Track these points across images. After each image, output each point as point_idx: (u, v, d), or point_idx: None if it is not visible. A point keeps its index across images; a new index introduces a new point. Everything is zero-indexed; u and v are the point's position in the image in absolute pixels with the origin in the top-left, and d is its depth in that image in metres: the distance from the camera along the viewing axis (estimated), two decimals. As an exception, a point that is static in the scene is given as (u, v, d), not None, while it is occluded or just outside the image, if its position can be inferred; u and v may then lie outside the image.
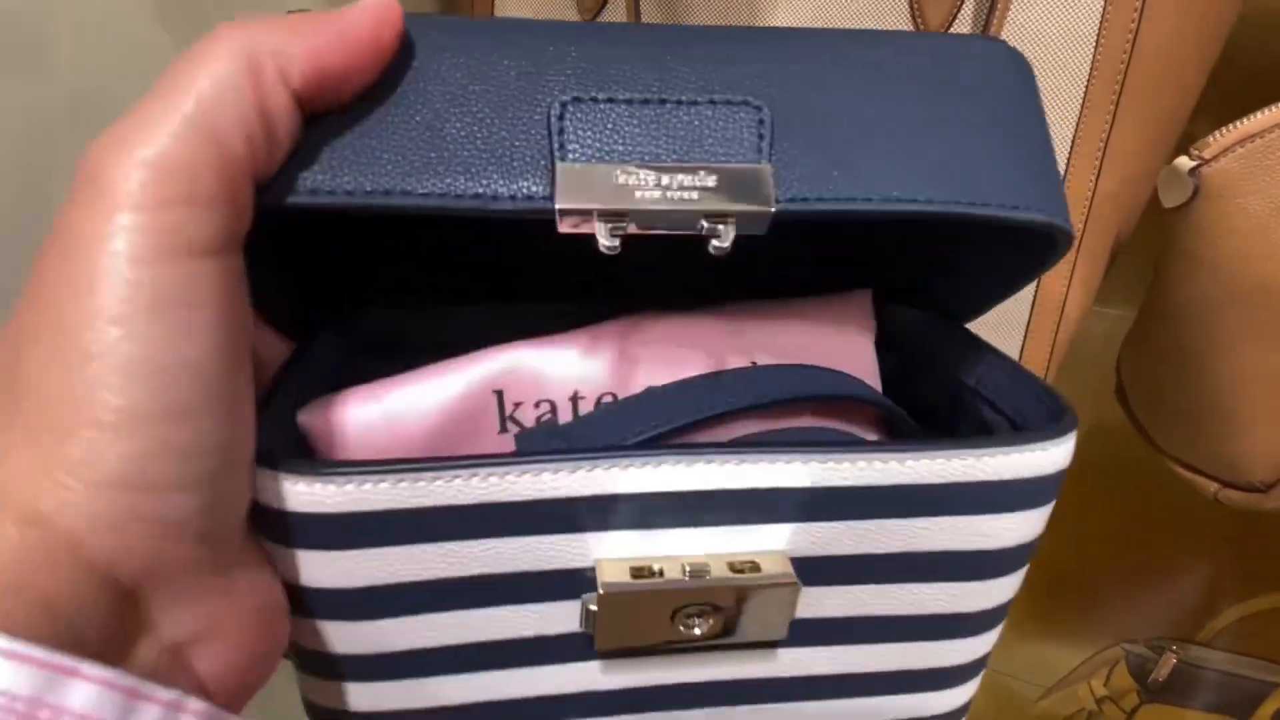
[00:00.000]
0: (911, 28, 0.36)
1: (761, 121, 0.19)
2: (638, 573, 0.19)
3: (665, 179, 0.18)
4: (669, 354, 0.25)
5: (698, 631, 0.20)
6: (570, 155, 0.18)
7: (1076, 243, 0.39)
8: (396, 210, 0.17)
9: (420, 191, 0.17)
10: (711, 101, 0.19)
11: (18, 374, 0.15)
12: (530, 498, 0.18)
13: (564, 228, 0.18)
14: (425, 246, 0.27)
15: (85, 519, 0.15)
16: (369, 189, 0.17)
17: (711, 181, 0.18)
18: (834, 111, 0.19)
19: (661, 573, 0.19)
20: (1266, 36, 0.44)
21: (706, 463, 0.19)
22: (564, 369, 0.24)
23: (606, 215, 0.18)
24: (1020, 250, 0.23)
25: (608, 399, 0.24)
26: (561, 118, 0.18)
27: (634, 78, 0.19)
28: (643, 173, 0.18)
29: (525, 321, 0.26)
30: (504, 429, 0.24)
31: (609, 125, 0.18)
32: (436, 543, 0.18)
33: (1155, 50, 0.34)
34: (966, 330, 0.28)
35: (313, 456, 0.22)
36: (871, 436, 0.25)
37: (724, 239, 0.18)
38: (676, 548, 0.20)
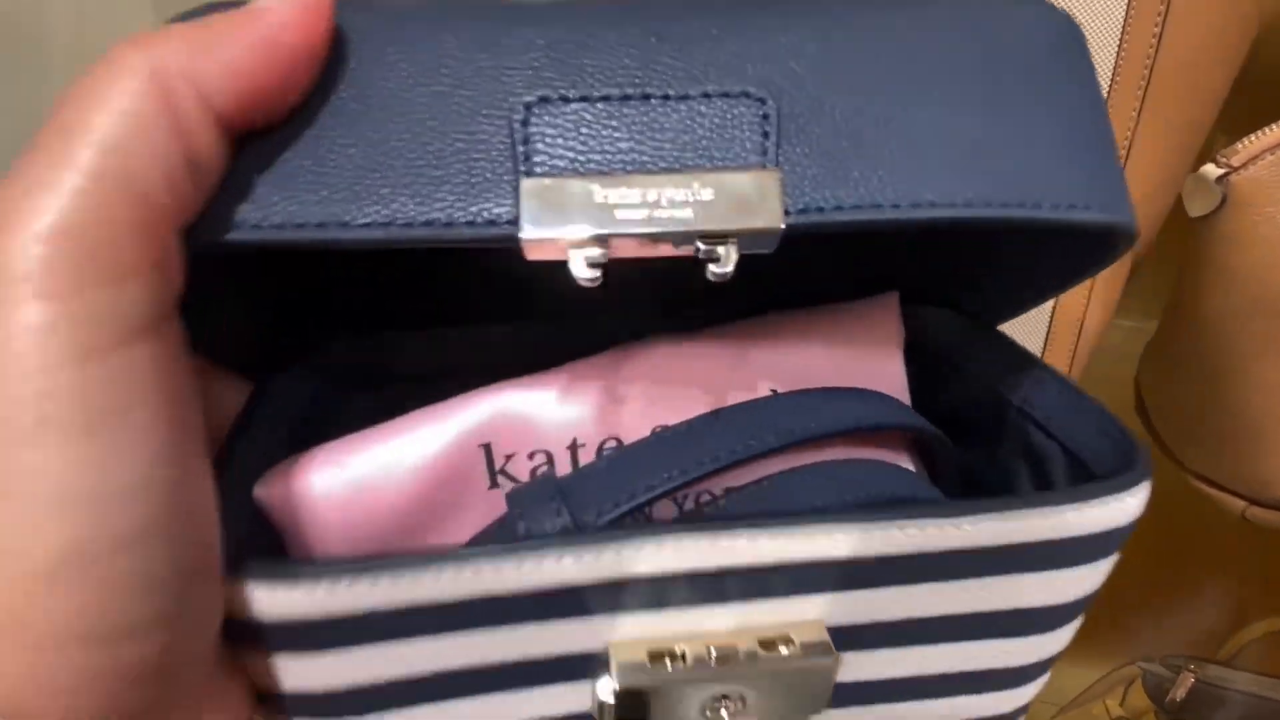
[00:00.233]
0: None
1: (765, 116, 0.16)
2: (656, 656, 0.17)
3: (652, 193, 0.15)
4: (677, 387, 0.22)
5: (725, 716, 0.18)
6: (537, 168, 0.15)
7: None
8: (335, 245, 0.15)
9: (361, 222, 0.15)
10: (705, 95, 0.16)
11: None
12: (530, 588, 0.16)
13: (533, 256, 0.15)
14: (393, 265, 0.24)
15: (30, 687, 0.12)
16: (301, 222, 0.15)
17: (707, 194, 0.15)
18: (852, 97, 0.16)
19: (684, 656, 0.17)
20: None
21: (732, 538, 0.16)
22: (559, 413, 0.21)
23: (582, 242, 0.15)
24: (1071, 252, 0.20)
25: (611, 445, 0.21)
26: (526, 123, 0.15)
27: (612, 68, 0.16)
28: (624, 188, 0.15)
29: (509, 343, 0.24)
30: (494, 484, 0.21)
31: (583, 129, 0.15)
32: (427, 637, 0.16)
33: (1178, 56, 0.34)
34: (1005, 337, 0.24)
35: (276, 531, 0.20)
36: (905, 461, 0.23)
37: (724, 263, 0.15)
38: (698, 623, 0.17)
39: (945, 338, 0.26)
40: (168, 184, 0.13)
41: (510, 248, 0.15)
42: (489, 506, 0.20)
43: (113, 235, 0.13)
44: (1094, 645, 0.65)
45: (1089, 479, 0.20)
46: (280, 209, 0.15)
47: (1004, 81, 0.17)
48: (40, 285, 0.12)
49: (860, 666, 0.18)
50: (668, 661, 0.17)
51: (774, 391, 0.22)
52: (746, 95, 0.16)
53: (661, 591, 0.16)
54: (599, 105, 0.16)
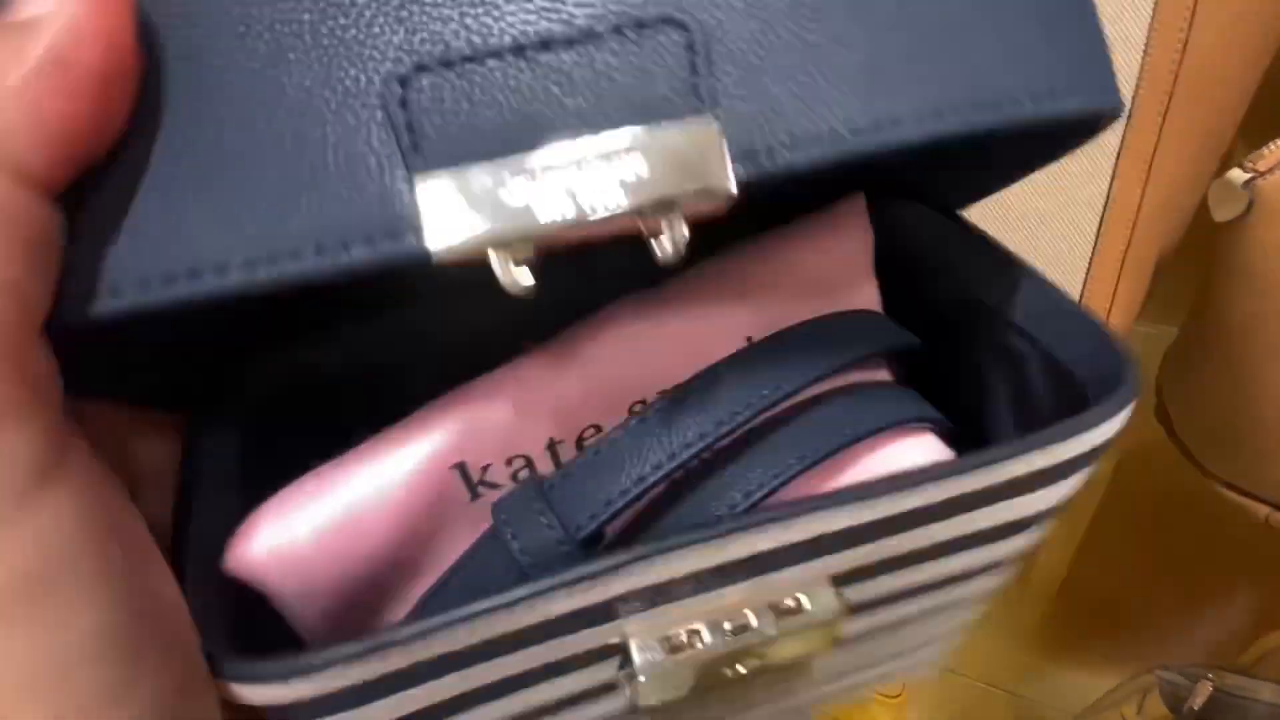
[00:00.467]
0: None
1: (691, 47, 0.13)
2: (674, 645, 0.16)
3: (573, 176, 0.13)
4: (649, 355, 0.20)
5: (744, 671, 0.18)
6: (428, 159, 0.12)
7: (1121, 255, 0.38)
8: (212, 296, 0.12)
9: (240, 259, 0.12)
10: (617, 30, 0.13)
11: None
12: (541, 620, 0.15)
13: (440, 264, 0.13)
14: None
15: None
16: (167, 272, 0.12)
17: (640, 166, 0.13)
18: (777, 10, 0.13)
19: (700, 636, 0.16)
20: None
21: (733, 541, 0.15)
22: (528, 413, 0.19)
23: (500, 245, 0.13)
24: (1046, 135, 0.18)
25: (591, 433, 0.20)
26: (404, 104, 0.12)
27: (497, 12, 0.13)
28: (539, 169, 0.13)
29: (451, 323, 0.21)
30: (475, 496, 0.19)
31: (475, 98, 0.13)
32: (441, 678, 0.16)
33: (1204, 61, 0.33)
34: (980, 233, 0.22)
35: (257, 591, 0.18)
36: (884, 373, 0.22)
37: (671, 242, 0.13)
38: (708, 603, 0.17)
39: (916, 235, 0.24)
40: (14, 299, 0.11)
41: (412, 262, 0.13)
42: (473, 519, 0.19)
43: None
44: (1111, 652, 0.65)
45: (1069, 384, 0.19)
46: (140, 264, 0.12)
47: None
48: None
49: (862, 591, 0.18)
50: (686, 649, 0.16)
51: (749, 340, 0.20)
52: (667, 21, 0.13)
53: (668, 590, 0.16)
54: (491, 64, 0.13)
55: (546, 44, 0.13)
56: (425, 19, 0.13)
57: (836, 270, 0.22)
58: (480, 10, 0.13)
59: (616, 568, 0.15)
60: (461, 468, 0.19)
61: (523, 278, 0.13)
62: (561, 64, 0.13)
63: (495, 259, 0.13)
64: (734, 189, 0.13)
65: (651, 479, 0.17)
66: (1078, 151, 0.19)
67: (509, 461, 0.19)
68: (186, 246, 0.12)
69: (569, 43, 0.13)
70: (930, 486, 0.16)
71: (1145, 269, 0.38)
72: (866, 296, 0.23)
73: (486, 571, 0.18)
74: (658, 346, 0.20)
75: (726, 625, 0.16)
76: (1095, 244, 0.37)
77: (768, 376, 0.18)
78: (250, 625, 0.17)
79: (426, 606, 0.19)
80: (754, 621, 0.16)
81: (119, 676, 0.12)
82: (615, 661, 0.17)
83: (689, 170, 0.13)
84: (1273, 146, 0.31)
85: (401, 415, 0.19)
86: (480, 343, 0.20)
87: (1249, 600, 0.57)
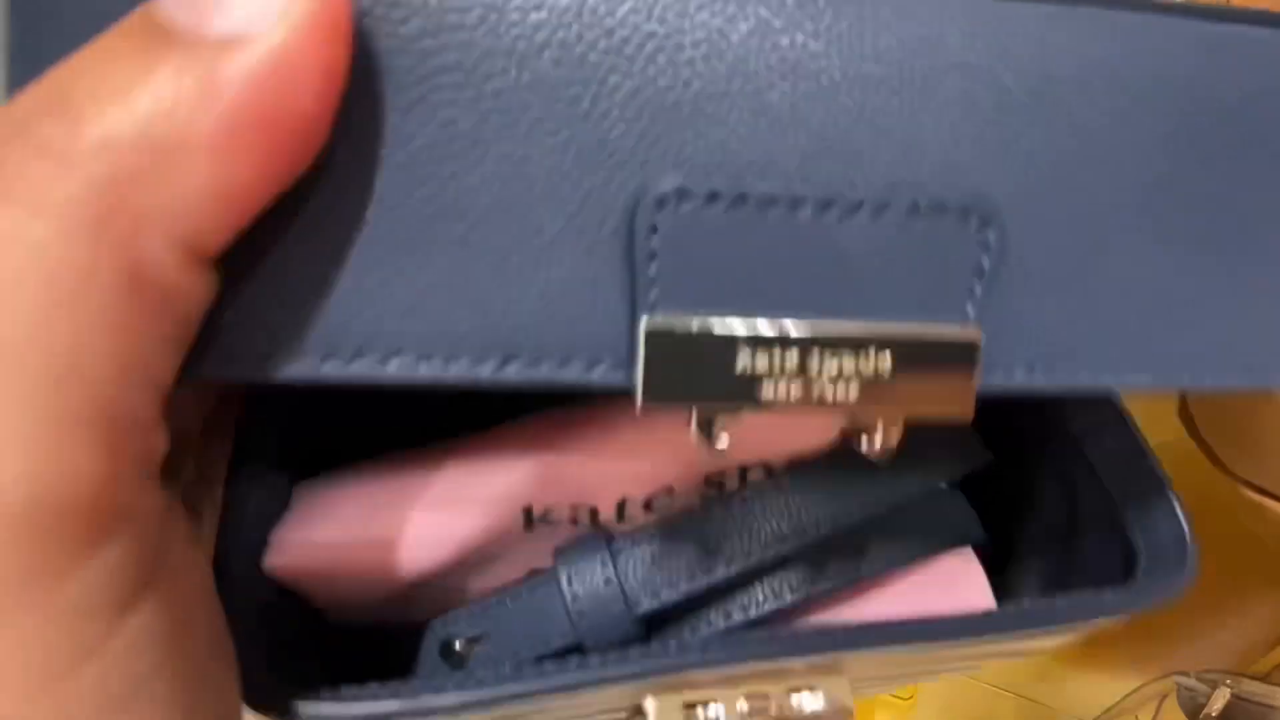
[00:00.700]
0: None
1: (985, 246, 0.11)
2: (688, 710, 0.16)
3: (814, 360, 0.11)
4: (743, 427, 0.21)
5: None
6: (664, 301, 0.11)
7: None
8: (376, 386, 0.11)
9: (417, 353, 0.11)
10: (913, 207, 0.11)
11: None
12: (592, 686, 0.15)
13: (639, 413, 0.11)
14: None
15: None
16: (345, 350, 0.11)
17: (884, 366, 0.11)
18: (1086, 219, 0.11)
19: (717, 710, 0.16)
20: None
21: (805, 653, 0.15)
22: (604, 469, 0.18)
23: (712, 413, 0.11)
24: None
25: (661, 494, 0.19)
26: (654, 230, 0.11)
27: (777, 150, 0.10)
28: (778, 349, 0.11)
29: None
30: (530, 528, 0.19)
31: (730, 244, 0.11)
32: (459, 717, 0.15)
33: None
34: None
35: (300, 598, 0.18)
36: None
37: (877, 443, 0.12)
38: (731, 684, 0.17)
39: None
40: (145, 390, 0.09)
41: (618, 392, 0.11)
42: (524, 548, 0.19)
43: (87, 489, 0.09)
44: (1127, 657, 0.64)
45: (1124, 542, 0.19)
46: (319, 334, 0.11)
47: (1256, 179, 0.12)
48: (3, 592, 0.09)
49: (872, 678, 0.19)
50: (700, 712, 0.16)
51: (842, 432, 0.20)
52: (962, 210, 0.11)
53: (697, 680, 0.16)
54: (757, 212, 0.11)
55: (827, 204, 0.11)
56: (702, 131, 0.10)
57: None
58: (763, 140, 0.10)
59: (669, 669, 0.14)
60: (529, 510, 0.19)
61: (718, 446, 0.12)
62: (834, 227, 0.11)
63: (694, 423, 0.11)
64: (970, 416, 0.11)
65: (723, 574, 0.17)
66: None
67: (573, 507, 0.19)
68: (383, 323, 0.11)
69: (852, 208, 0.11)
70: (961, 638, 0.16)
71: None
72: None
73: (537, 610, 0.18)
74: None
75: (743, 706, 0.16)
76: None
77: (856, 492, 0.18)
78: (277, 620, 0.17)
79: (471, 616, 0.19)
80: (771, 705, 0.16)
81: None
82: (626, 707, 0.17)
83: (934, 387, 0.11)
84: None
85: (450, 402, 0.19)
86: None
87: (1271, 605, 0.56)
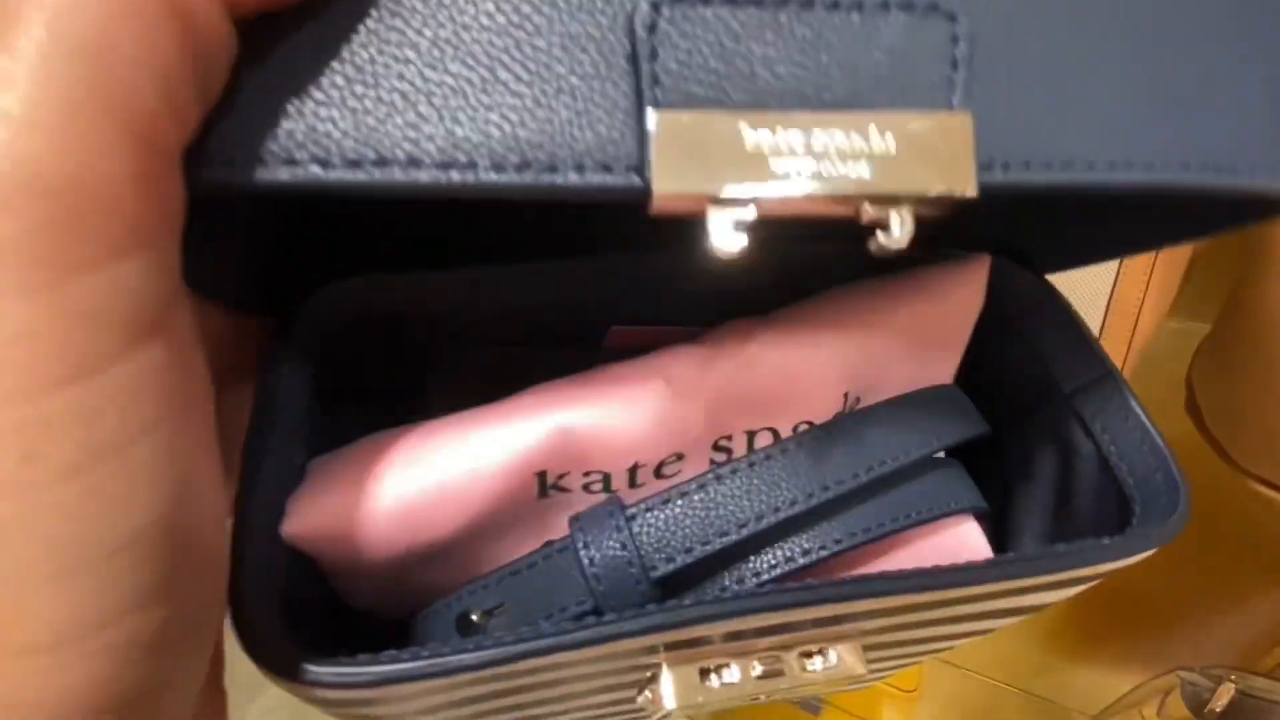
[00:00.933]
0: None
1: (955, 39, 0.12)
2: (703, 674, 0.17)
3: (820, 140, 0.12)
4: (743, 388, 0.20)
5: (765, 700, 0.19)
6: (669, 97, 0.11)
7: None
8: (391, 192, 0.11)
9: (433, 159, 0.11)
10: (884, 4, 0.12)
11: None
12: (603, 653, 0.15)
13: (656, 210, 0.12)
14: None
15: None
16: (352, 157, 0.11)
17: (888, 144, 0.12)
18: (1050, 14, 0.13)
19: (729, 670, 0.17)
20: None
21: (795, 610, 0.15)
22: (619, 435, 0.19)
23: (727, 202, 0.12)
24: (1206, 211, 0.18)
25: (671, 460, 0.20)
26: (653, 29, 0.11)
27: None
28: (783, 129, 0.12)
29: (530, 286, 0.20)
30: (544, 495, 0.19)
31: (728, 43, 0.12)
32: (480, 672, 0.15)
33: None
34: (1070, 309, 0.22)
35: (316, 561, 0.18)
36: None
37: (896, 232, 0.12)
38: (745, 645, 0.17)
39: (1006, 297, 0.23)
40: (167, 97, 0.09)
41: (626, 200, 0.12)
42: (537, 514, 0.20)
43: (102, 189, 0.09)
44: (1131, 652, 0.64)
45: (1117, 493, 0.19)
46: (317, 137, 0.11)
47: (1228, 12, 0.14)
48: (16, 273, 0.08)
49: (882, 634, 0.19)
50: (714, 679, 0.17)
51: (845, 396, 0.21)
52: (934, 8, 0.12)
53: (709, 639, 0.17)
54: (749, 9, 0.12)
55: (811, 2, 0.12)
56: None
57: (940, 329, 0.22)
58: None
59: (685, 622, 0.15)
60: (543, 474, 0.19)
61: (737, 245, 0.12)
62: (823, 25, 0.12)
63: (713, 215, 0.12)
64: (974, 193, 0.12)
65: (734, 537, 0.17)
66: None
67: (586, 474, 0.19)
68: (376, 129, 0.11)
69: (834, 6, 0.12)
70: (965, 586, 0.16)
71: (1181, 259, 0.38)
72: (951, 362, 0.23)
73: (555, 579, 0.18)
74: (751, 379, 0.20)
75: (756, 669, 0.17)
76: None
77: (859, 456, 0.19)
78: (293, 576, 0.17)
79: (486, 588, 0.19)
80: (784, 666, 0.17)
81: (154, 579, 0.10)
82: (641, 678, 0.18)
83: (934, 164, 0.12)
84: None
85: (475, 367, 0.19)
86: (569, 310, 0.20)
87: (1277, 600, 0.56)
